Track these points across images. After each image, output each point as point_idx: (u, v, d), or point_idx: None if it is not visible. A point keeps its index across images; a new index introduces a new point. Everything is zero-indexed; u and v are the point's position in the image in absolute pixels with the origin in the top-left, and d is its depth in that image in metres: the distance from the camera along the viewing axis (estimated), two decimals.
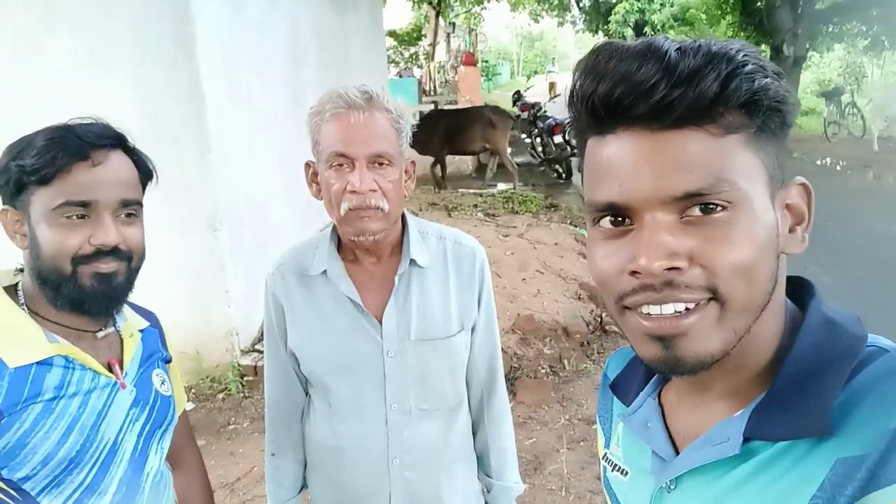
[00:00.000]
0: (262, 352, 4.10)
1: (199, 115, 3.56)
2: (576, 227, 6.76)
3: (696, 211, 0.55)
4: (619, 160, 0.57)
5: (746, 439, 0.59)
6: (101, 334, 1.10)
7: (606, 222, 0.60)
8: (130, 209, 1.05)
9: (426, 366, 1.33)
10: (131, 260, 1.06)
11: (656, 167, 0.55)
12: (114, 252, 1.02)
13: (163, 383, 1.19)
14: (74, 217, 0.99)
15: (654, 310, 0.57)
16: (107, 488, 1.04)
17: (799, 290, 0.64)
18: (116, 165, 1.03)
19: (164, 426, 1.17)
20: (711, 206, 0.54)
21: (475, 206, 7.22)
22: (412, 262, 1.33)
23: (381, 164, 1.22)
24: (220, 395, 3.84)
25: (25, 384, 0.96)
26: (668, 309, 0.56)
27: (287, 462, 1.44)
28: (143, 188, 1.10)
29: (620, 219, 0.59)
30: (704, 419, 0.65)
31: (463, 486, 1.45)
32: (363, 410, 1.32)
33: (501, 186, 9.03)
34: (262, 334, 4.23)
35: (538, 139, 10.74)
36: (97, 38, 3.50)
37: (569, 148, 10.42)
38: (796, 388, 0.57)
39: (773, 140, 0.58)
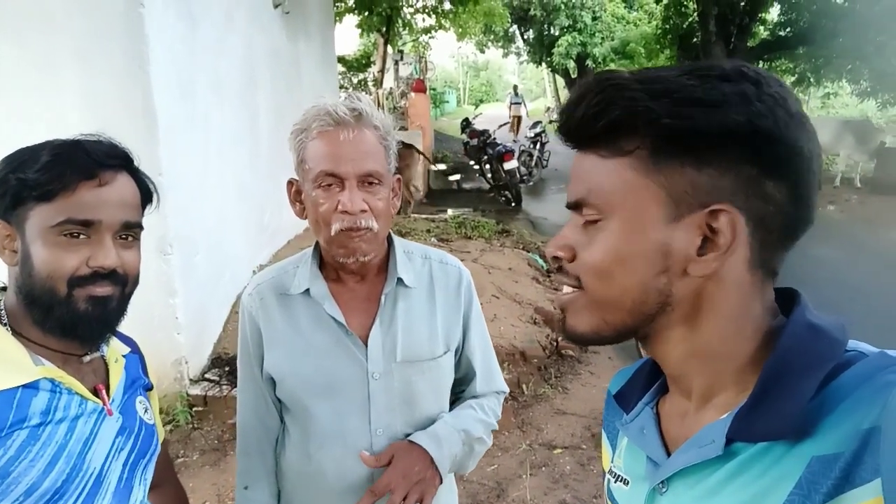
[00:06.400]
0: (212, 381, 3.97)
1: (150, 135, 3.44)
2: (528, 252, 6.82)
3: (591, 217, 0.66)
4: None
5: (730, 441, 0.62)
6: (86, 359, 1.04)
7: None
8: (131, 232, 1.01)
9: (412, 388, 1.29)
10: (126, 285, 1.00)
11: (570, 179, 0.68)
12: (111, 275, 0.97)
13: (146, 411, 1.13)
14: (74, 236, 0.94)
15: (562, 288, 0.71)
16: None
17: (790, 300, 0.67)
18: (122, 186, 0.99)
19: (149, 456, 1.11)
20: (596, 215, 0.65)
21: (428, 231, 7.19)
22: (399, 281, 1.29)
23: (370, 183, 1.19)
24: (168, 427, 3.67)
25: (11, 408, 0.90)
26: (563, 288, 0.70)
27: (261, 495, 1.37)
28: (143, 210, 1.05)
29: None
30: (695, 424, 0.68)
31: None
32: (345, 435, 1.27)
33: (451, 212, 9.06)
34: (212, 362, 4.15)
35: (487, 165, 10.87)
36: (41, 51, 3.36)
37: (518, 175, 10.61)
38: (775, 391, 0.60)
39: (679, 163, 0.60)
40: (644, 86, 0.60)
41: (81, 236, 0.94)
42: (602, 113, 0.61)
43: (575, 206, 0.67)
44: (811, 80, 15.50)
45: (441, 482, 1.23)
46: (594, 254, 0.65)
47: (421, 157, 9.86)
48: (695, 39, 16.39)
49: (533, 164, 12.38)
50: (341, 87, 12.29)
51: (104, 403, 1.02)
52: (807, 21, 14.33)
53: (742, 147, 0.59)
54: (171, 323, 3.75)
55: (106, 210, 0.96)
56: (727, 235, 0.60)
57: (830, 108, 19.67)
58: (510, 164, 10.22)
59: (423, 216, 8.42)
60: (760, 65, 15.80)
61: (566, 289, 0.69)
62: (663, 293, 0.64)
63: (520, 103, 21.09)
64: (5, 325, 0.97)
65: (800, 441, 0.57)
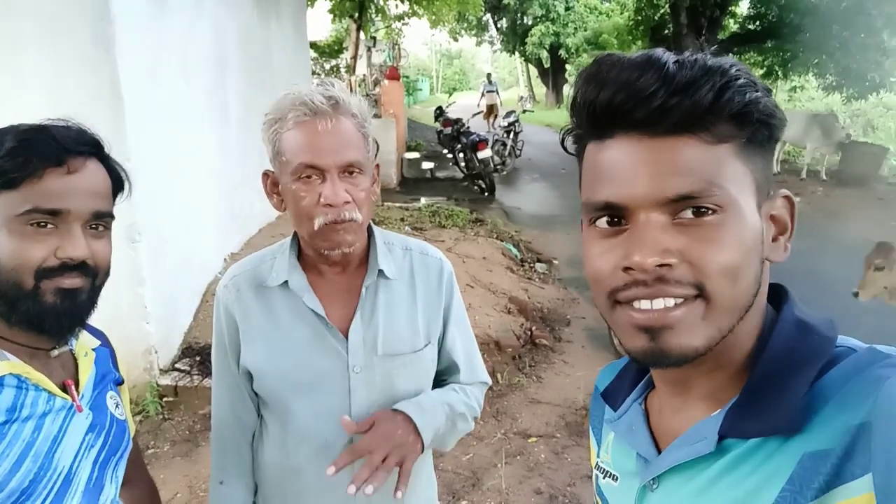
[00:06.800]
0: (183, 371, 3.91)
1: (117, 120, 3.34)
2: (502, 241, 6.83)
3: (689, 213, 0.58)
4: (618, 163, 0.60)
5: (722, 437, 0.62)
6: (54, 353, 0.99)
7: (603, 222, 0.63)
8: (102, 221, 0.96)
9: (393, 382, 1.26)
10: (96, 277, 0.96)
11: (652, 170, 0.58)
12: (80, 267, 0.92)
13: (117, 406, 1.09)
14: (41, 226, 0.89)
15: (644, 304, 0.59)
16: None
17: (776, 295, 0.68)
18: (92, 174, 0.95)
19: (120, 453, 1.07)
20: (703, 209, 0.58)
21: (402, 219, 7.15)
22: (380, 272, 1.27)
23: (351, 173, 1.16)
24: (138, 418, 3.60)
25: None
26: (658, 304, 0.59)
27: (236, 491, 1.33)
28: (114, 199, 1.01)
29: (616, 219, 0.62)
30: (685, 421, 0.68)
31: None
32: (326, 431, 1.24)
33: (424, 200, 9.02)
34: (182, 352, 4.08)
35: (461, 154, 10.84)
36: (4, 35, 3.24)
37: (491, 164, 10.60)
38: (767, 388, 0.60)
39: (761, 152, 0.62)
40: (747, 76, 0.59)
41: (49, 226, 0.90)
42: (737, 95, 0.58)
43: (677, 201, 0.58)
44: (779, 73, 15.78)
45: (423, 450, 1.20)
46: (724, 253, 0.58)
47: (377, 148, 9.82)
48: (666, 31, 16.56)
49: (506, 153, 12.36)
50: (313, 73, 12.13)
51: (73, 399, 0.98)
52: (776, 15, 14.57)
53: (775, 140, 0.63)
54: (140, 312, 3.68)
55: (75, 199, 0.91)
56: (788, 219, 0.65)
57: (797, 102, 20.03)
58: (484, 153, 10.20)
59: (397, 205, 8.38)
60: (730, 57, 16.03)
61: (659, 302, 0.59)
62: (758, 284, 0.62)
63: (494, 91, 19.68)
64: None
65: (791, 437, 0.57)
